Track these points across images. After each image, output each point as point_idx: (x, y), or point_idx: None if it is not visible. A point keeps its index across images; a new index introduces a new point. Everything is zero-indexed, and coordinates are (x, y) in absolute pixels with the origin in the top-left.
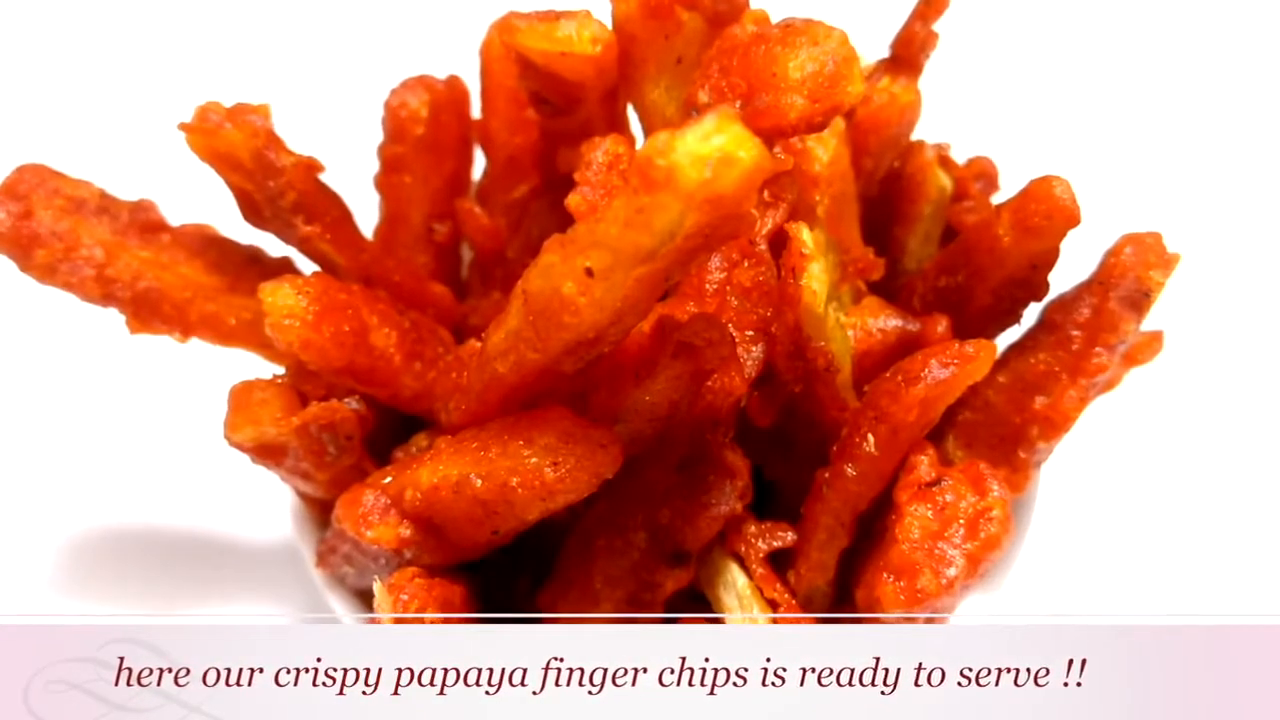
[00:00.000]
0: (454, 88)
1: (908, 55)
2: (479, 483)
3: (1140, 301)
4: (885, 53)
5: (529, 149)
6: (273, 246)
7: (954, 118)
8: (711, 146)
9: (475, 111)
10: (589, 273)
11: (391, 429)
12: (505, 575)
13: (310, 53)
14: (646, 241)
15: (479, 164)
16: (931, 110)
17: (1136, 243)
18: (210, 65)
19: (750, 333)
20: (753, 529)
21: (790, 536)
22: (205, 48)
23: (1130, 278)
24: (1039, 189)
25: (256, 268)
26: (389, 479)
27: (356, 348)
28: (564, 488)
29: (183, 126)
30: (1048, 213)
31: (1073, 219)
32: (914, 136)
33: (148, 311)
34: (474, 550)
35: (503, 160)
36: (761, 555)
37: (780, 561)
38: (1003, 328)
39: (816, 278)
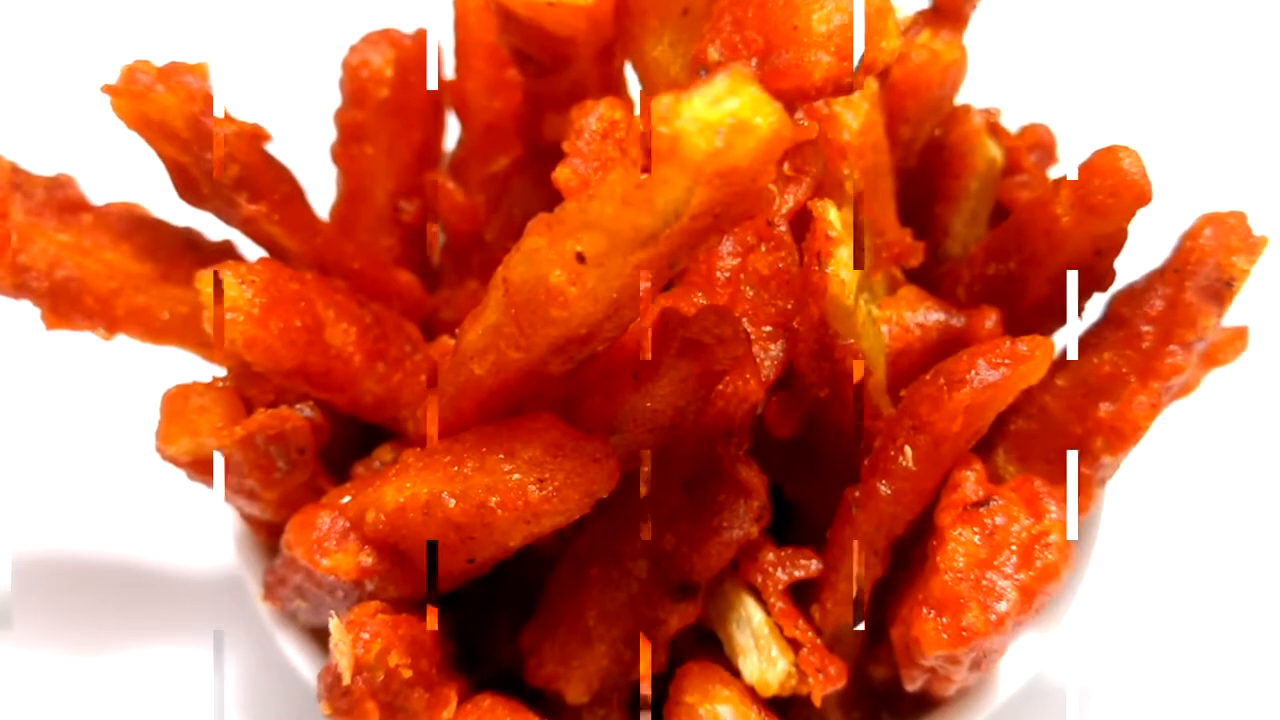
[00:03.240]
0: (423, 44)
1: (951, 6)
2: (452, 503)
3: (1221, 292)
4: (925, 3)
5: (510, 114)
6: (212, 229)
7: (1005, 79)
8: (723, 111)
9: (448, 71)
10: (580, 258)
11: (350, 440)
12: (483, 611)
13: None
14: (647, 222)
15: (452, 132)
16: (979, 70)
17: (1217, 224)
18: (139, 17)
19: (768, 328)
20: (771, 557)
21: (814, 565)
22: None
23: (1210, 264)
24: (1104, 161)
25: (193, 254)
26: (348, 499)
27: (310, 346)
28: (551, 508)
29: (107, 89)
30: (1114, 189)
31: (1143, 196)
32: (958, 100)
33: (67, 304)
34: (447, 581)
35: (480, 128)
36: (781, 587)
37: (803, 595)
38: (1062, 323)
39: (845, 264)
